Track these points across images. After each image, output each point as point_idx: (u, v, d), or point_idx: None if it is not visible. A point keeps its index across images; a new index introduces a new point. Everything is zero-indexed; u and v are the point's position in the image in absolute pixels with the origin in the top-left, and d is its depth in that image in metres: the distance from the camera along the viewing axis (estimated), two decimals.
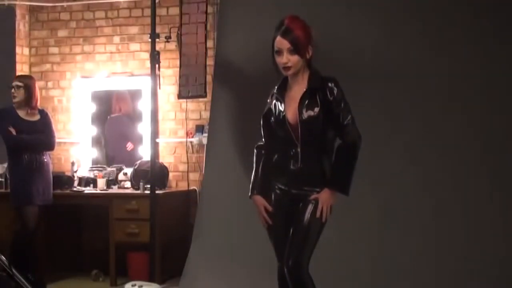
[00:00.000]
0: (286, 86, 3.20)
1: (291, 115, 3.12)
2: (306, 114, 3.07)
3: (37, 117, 5.28)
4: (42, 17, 6.37)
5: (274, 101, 3.22)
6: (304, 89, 3.11)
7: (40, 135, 5.20)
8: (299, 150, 3.09)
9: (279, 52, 3.10)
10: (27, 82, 5.27)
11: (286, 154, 3.13)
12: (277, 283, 3.22)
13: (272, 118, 3.20)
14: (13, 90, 5.23)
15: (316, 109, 3.07)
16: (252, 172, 3.30)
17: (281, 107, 3.16)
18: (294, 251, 3.05)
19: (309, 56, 3.12)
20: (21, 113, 5.22)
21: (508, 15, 4.62)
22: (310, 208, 3.08)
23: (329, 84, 3.08)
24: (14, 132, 5.11)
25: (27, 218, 5.12)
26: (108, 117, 6.33)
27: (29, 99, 5.22)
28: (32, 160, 5.13)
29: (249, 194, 3.27)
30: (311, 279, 3.07)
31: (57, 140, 5.47)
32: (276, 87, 3.24)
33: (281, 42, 3.08)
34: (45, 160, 5.23)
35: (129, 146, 6.22)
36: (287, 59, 3.07)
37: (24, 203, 5.12)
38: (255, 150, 3.32)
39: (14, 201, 5.16)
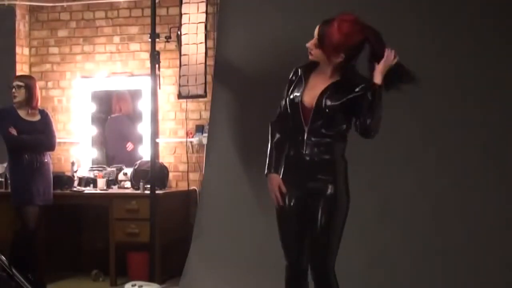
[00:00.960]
0: (312, 68, 3.14)
1: (309, 98, 3.07)
2: (326, 101, 3.03)
3: (37, 117, 5.28)
4: (42, 17, 6.37)
5: (294, 78, 3.17)
6: (334, 80, 3.06)
7: (40, 135, 5.20)
8: (305, 136, 3.05)
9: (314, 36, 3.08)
10: (28, 82, 5.27)
11: (295, 142, 3.09)
12: (284, 284, 3.18)
13: (290, 95, 3.15)
14: (14, 90, 5.23)
15: (339, 101, 3.02)
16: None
17: (300, 88, 3.11)
18: (319, 253, 3.01)
19: (339, 61, 3.04)
20: (22, 113, 5.22)
21: (509, 14, 4.62)
22: (328, 203, 3.02)
23: (363, 86, 3.01)
24: (15, 133, 5.12)
25: (27, 218, 5.11)
26: (109, 117, 6.33)
27: (29, 99, 5.22)
28: (32, 160, 5.13)
29: (265, 172, 3.17)
30: (336, 282, 3.04)
31: (57, 140, 5.46)
32: (302, 66, 3.18)
33: (316, 31, 3.07)
34: (46, 160, 5.23)
35: (129, 146, 6.22)
36: (311, 47, 3.06)
37: (24, 203, 5.11)
38: (270, 126, 3.22)
39: (15, 201, 5.16)
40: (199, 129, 5.88)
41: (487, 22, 4.63)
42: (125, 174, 5.88)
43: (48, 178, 5.26)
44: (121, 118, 6.31)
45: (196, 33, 5.36)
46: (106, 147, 6.34)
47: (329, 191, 3.04)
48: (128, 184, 5.81)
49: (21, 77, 5.42)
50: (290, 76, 3.20)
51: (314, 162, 3.04)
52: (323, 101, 3.03)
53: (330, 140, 3.06)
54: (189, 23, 5.39)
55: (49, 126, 5.30)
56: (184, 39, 5.40)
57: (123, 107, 6.29)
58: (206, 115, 5.78)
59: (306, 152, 3.06)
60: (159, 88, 5.54)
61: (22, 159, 5.12)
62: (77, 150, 6.26)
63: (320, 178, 3.05)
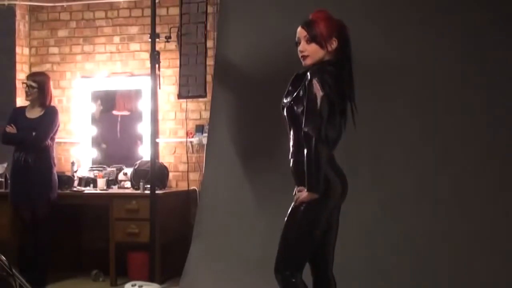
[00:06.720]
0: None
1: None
2: (285, 99, 3.03)
3: (39, 114, 5.22)
4: (42, 17, 6.37)
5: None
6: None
7: (27, 131, 5.11)
8: (290, 143, 3.02)
9: (298, 43, 3.05)
10: (41, 82, 5.23)
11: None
12: None
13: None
14: (27, 89, 5.18)
15: (290, 98, 2.99)
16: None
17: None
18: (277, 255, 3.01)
19: (332, 49, 3.01)
20: (28, 111, 5.23)
21: (509, 14, 4.62)
22: (290, 211, 2.98)
23: (313, 79, 2.89)
24: (11, 130, 5.11)
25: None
26: (119, 115, 6.27)
27: (42, 98, 5.22)
28: (19, 159, 5.11)
29: None
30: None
31: (57, 139, 5.45)
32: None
33: (300, 32, 3.04)
34: (31, 159, 5.10)
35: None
36: (304, 48, 3.02)
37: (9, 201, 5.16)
38: None
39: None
40: (199, 129, 5.88)
41: (488, 22, 4.62)
42: (125, 174, 5.89)
43: (36, 178, 5.11)
44: (129, 116, 6.27)
45: (196, 33, 5.36)
46: (118, 145, 6.29)
47: (293, 201, 2.97)
48: (128, 184, 5.81)
49: (35, 76, 5.34)
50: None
51: (294, 171, 3.00)
52: (284, 99, 3.03)
53: (294, 146, 3.00)
54: (189, 23, 5.39)
55: (43, 122, 5.17)
56: (184, 39, 5.40)
57: (127, 105, 6.26)
58: (206, 115, 5.78)
59: (290, 159, 3.01)
60: (159, 88, 5.54)
61: (13, 157, 5.13)
62: (77, 150, 6.26)
63: (300, 189, 2.95)
